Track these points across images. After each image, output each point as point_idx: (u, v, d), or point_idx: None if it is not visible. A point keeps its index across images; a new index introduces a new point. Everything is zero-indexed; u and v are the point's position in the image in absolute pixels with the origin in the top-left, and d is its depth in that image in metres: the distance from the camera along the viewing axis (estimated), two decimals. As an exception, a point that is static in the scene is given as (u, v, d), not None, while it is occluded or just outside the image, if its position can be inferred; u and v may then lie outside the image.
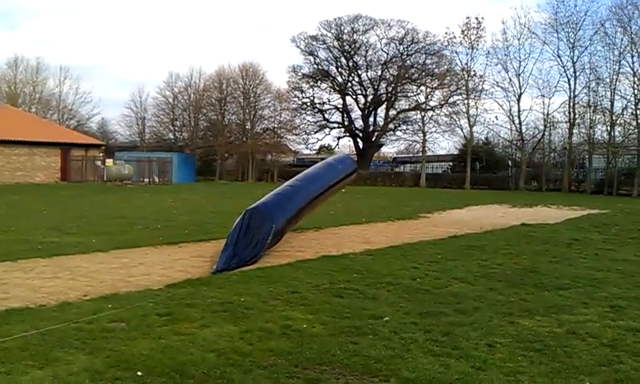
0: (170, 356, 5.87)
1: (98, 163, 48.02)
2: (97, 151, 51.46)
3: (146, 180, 48.20)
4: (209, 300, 8.11)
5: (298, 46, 63.67)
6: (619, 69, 48.08)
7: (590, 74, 50.14)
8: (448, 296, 8.84)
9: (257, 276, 9.97)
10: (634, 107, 47.17)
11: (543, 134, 53.56)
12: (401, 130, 63.31)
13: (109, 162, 47.76)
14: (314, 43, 62.92)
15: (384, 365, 5.80)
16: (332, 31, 61.86)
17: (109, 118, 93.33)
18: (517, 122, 53.29)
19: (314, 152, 76.61)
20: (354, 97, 64.26)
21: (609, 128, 49.13)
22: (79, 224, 17.27)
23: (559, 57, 51.61)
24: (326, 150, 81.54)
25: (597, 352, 6.37)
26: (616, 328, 7.29)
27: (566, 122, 52.11)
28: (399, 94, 61.83)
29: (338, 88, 63.85)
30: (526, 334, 6.94)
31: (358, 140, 64.67)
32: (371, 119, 64.18)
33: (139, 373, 5.44)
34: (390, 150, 74.49)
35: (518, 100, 52.99)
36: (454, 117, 56.56)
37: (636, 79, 46.63)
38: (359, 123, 64.56)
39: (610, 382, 5.50)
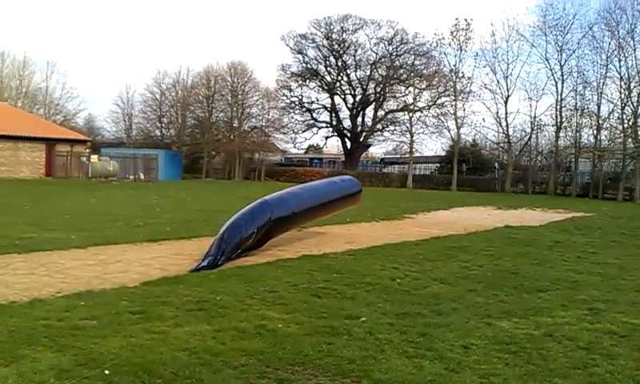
0: (139, 355, 5.77)
1: (84, 159, 47.61)
2: (82, 147, 50.96)
3: (131, 177, 47.88)
4: (184, 298, 8.01)
5: (287, 45, 63.65)
6: (606, 72, 48.38)
7: (578, 77, 50.49)
8: (427, 297, 8.78)
9: (235, 274, 9.87)
10: (620, 111, 47.45)
11: (530, 137, 53.79)
12: (389, 131, 63.35)
13: (93, 158, 47.33)
14: (304, 42, 62.84)
15: (357, 365, 5.73)
16: (321, 30, 61.79)
17: (96, 114, 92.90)
18: (504, 124, 53.52)
19: (302, 151, 76.53)
20: (343, 96, 64.23)
21: (595, 132, 49.40)
22: (60, 220, 17.08)
23: (547, 60, 51.91)
24: (314, 149, 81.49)
25: (572, 355, 6.33)
26: (593, 331, 7.26)
27: (552, 125, 52.39)
28: (388, 95, 61.80)
29: (326, 87, 63.74)
30: (503, 335, 6.89)
31: (346, 140, 64.61)
32: (359, 119, 64.14)
33: (106, 371, 5.34)
34: (377, 150, 74.60)
35: (506, 102, 53.19)
36: (442, 118, 56.69)
37: (623, 83, 46.89)
38: (347, 123, 64.51)
39: (584, 386, 5.45)
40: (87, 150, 50.67)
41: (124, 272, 10.01)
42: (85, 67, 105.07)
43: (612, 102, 48.44)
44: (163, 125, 64.21)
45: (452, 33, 54.19)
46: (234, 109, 60.19)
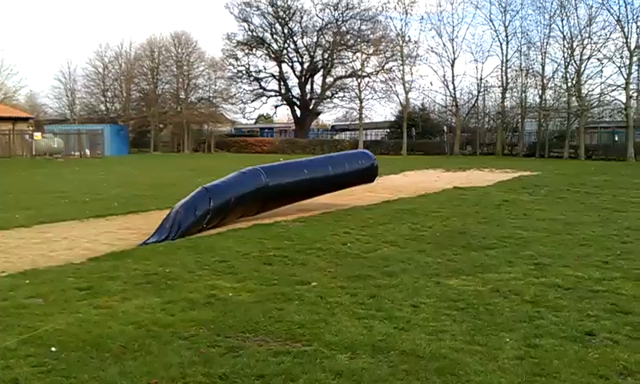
0: (86, 330, 5.67)
1: (27, 137, 46.35)
2: (25, 125, 49.68)
3: (77, 153, 46.84)
4: (132, 272, 7.90)
5: (231, 13, 62.92)
6: (549, 32, 48.99)
7: (522, 38, 51.08)
8: (377, 259, 8.85)
9: (184, 246, 9.78)
10: (563, 70, 48.21)
11: (477, 99, 54.34)
12: (338, 98, 63.16)
13: (37, 135, 46.13)
14: (248, 9, 61.81)
15: (308, 329, 5.74)
16: (265, -4, 60.89)
17: (37, 90, 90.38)
18: (451, 87, 53.88)
19: (252, 121, 75.91)
20: (290, 64, 63.65)
21: (540, 91, 50.14)
22: (3, 200, 16.68)
23: (491, 21, 52.43)
24: (265, 119, 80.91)
25: (518, 309, 6.46)
26: (539, 285, 7.42)
27: (498, 87, 52.97)
28: (335, 61, 61.55)
29: (273, 55, 63.07)
30: (451, 293, 7.00)
31: (296, 108, 64.23)
32: (308, 87, 63.74)
33: (53, 348, 5.23)
34: (328, 117, 74.42)
35: (452, 65, 53.49)
36: (390, 83, 56.67)
37: (566, 43, 47.57)
38: (296, 91, 64.06)
39: (530, 338, 5.57)
40: (30, 128, 49.35)
41: (70, 249, 9.83)
42: (23, 43, 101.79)
43: (556, 62, 49.27)
44: (107, 99, 62.89)
45: (397, -4, 54.11)
46: (180, 80, 59.29)
